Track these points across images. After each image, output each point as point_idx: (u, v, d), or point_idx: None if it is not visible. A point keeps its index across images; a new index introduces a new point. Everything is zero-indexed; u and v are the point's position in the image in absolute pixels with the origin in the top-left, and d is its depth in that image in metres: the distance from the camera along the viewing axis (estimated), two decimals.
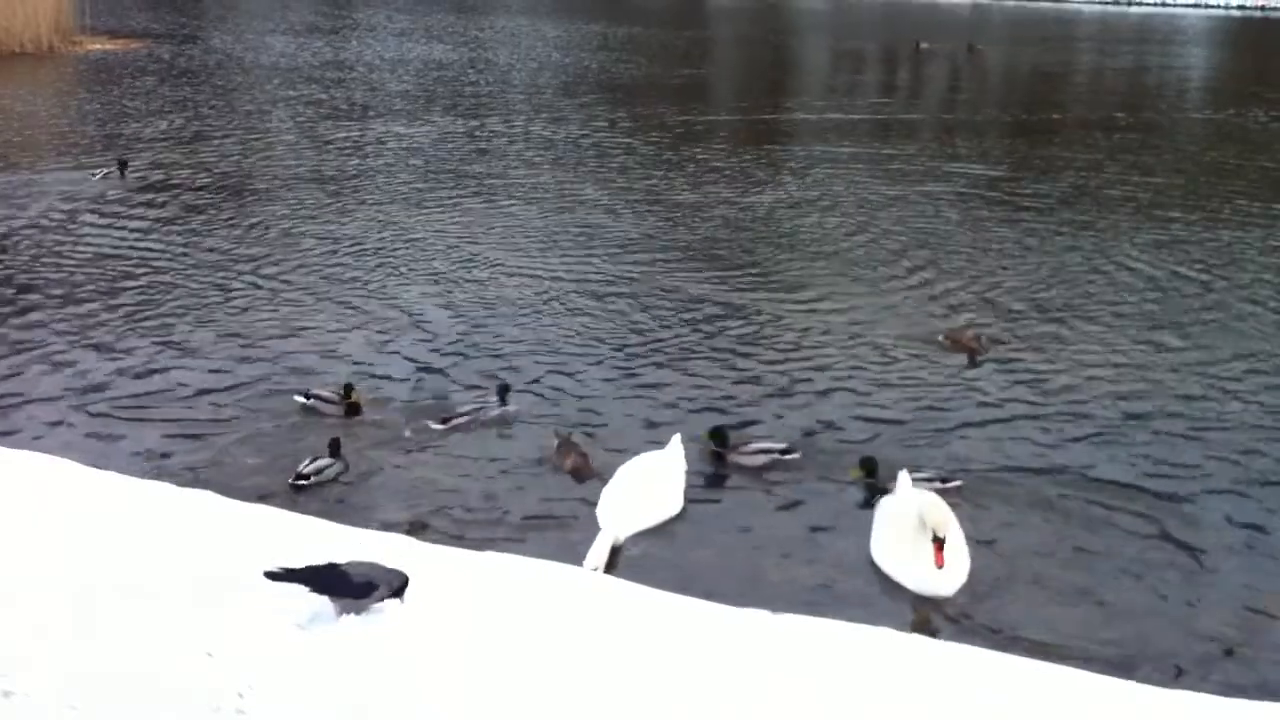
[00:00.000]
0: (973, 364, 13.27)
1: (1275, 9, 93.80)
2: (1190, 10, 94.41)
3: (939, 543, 8.50)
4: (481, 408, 11.56)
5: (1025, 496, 10.11)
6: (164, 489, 8.72)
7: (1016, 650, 7.29)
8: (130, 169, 22.74)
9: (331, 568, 6.64)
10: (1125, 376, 13.05)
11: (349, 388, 11.75)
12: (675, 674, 6.35)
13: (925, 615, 8.40)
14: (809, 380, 12.76)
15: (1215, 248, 19.01)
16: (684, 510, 9.87)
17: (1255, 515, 9.92)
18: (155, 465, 10.31)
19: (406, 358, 13.32)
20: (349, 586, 6.62)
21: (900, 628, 7.61)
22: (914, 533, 8.71)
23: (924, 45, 56.57)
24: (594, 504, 9.78)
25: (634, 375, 12.92)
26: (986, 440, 11.30)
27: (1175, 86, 47.60)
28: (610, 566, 8.91)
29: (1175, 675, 7.38)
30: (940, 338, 13.90)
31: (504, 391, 11.80)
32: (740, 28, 72.24)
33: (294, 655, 6.24)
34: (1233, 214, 21.75)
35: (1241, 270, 17.66)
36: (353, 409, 11.60)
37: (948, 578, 8.59)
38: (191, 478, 9.83)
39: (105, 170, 22.68)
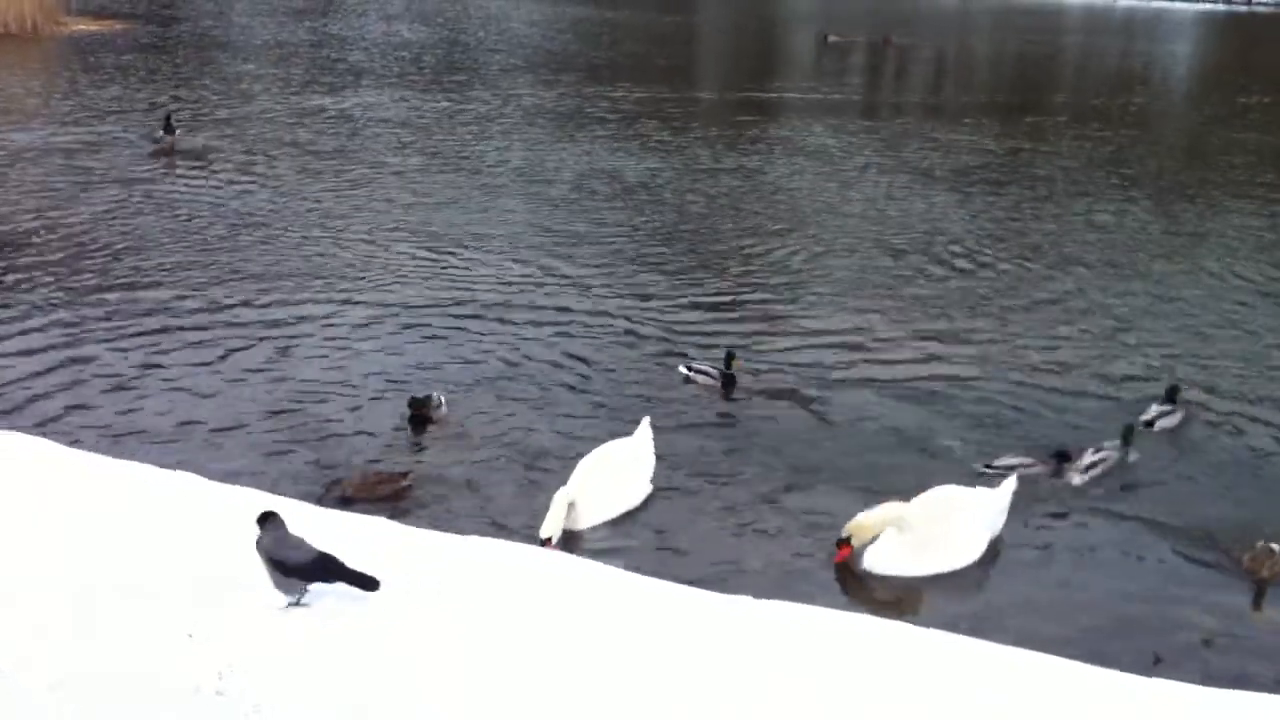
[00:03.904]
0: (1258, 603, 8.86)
1: (1263, 3, 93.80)
2: (1177, 5, 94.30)
3: (842, 541, 8.75)
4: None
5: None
6: (248, 494, 8.56)
7: (996, 638, 7.29)
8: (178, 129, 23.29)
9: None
10: None
11: (730, 356, 12.28)
12: (664, 659, 6.34)
13: (906, 603, 8.43)
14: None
15: None
16: (656, 496, 9.85)
17: (1237, 509, 9.97)
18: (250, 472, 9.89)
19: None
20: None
21: (882, 615, 7.65)
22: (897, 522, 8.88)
23: (832, 38, 56.51)
24: None
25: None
26: None
27: (1103, 75, 47.61)
28: (569, 540, 8.94)
29: (1153, 664, 7.41)
30: (1244, 559, 9.05)
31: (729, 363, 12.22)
32: (727, 15, 72.13)
33: (280, 639, 6.22)
34: None
35: None
36: (730, 380, 12.12)
37: (870, 559, 8.84)
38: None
39: (154, 132, 23.39)
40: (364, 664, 6.02)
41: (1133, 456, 10.75)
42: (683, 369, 12.49)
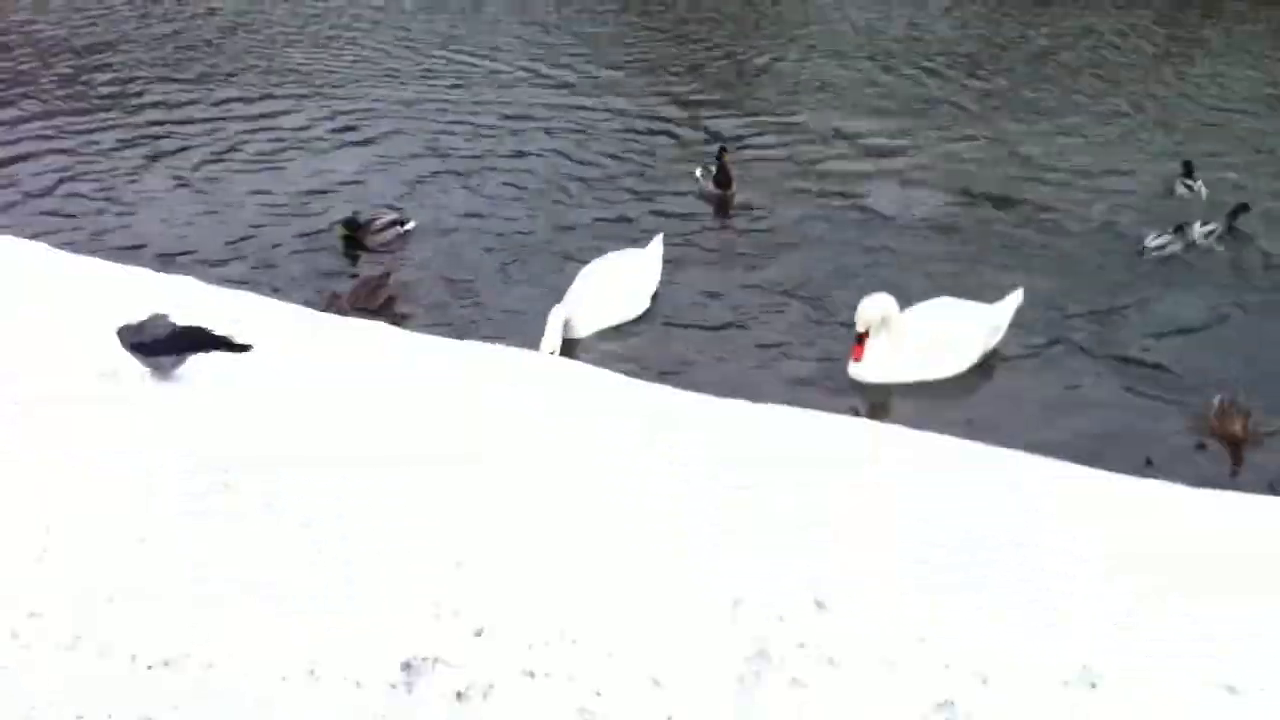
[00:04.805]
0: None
1: None
2: None
3: (859, 338, 8.79)
4: None
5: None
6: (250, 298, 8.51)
7: (991, 440, 7.37)
8: None
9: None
10: None
11: (722, 150, 12.19)
12: (665, 458, 6.41)
13: (899, 408, 8.54)
14: None
15: None
16: (657, 309, 9.85)
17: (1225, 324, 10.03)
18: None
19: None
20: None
21: (877, 419, 7.76)
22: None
23: None
24: None
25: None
26: None
27: None
28: (567, 352, 8.96)
29: (1144, 465, 7.53)
30: (1214, 405, 8.32)
31: None
32: None
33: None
34: None
35: None
36: (724, 174, 11.99)
37: (863, 368, 8.91)
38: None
39: None
40: (372, 464, 6.05)
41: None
42: (697, 172, 12.36)
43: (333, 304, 9.46)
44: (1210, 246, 11.18)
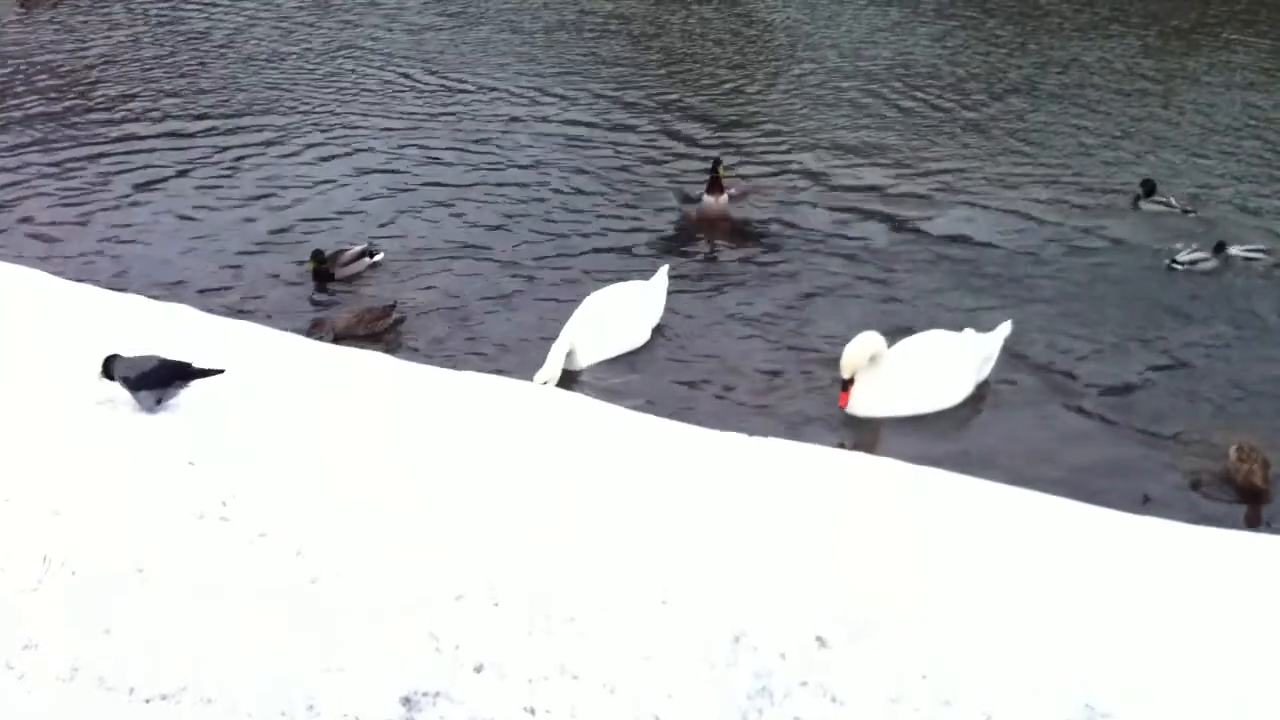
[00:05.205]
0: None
1: None
2: None
3: (845, 384, 8.75)
4: None
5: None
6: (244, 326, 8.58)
7: (984, 476, 7.37)
8: None
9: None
10: None
11: (717, 162, 12.21)
12: (660, 490, 6.41)
13: (894, 442, 8.50)
14: None
15: None
16: (658, 341, 9.86)
17: (1235, 357, 9.97)
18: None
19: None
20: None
21: (873, 453, 7.75)
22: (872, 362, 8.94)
23: None
24: None
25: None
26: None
27: None
28: (565, 384, 8.94)
29: (1142, 502, 7.52)
30: (1231, 454, 8.07)
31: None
32: None
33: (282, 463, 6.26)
34: None
35: None
36: (716, 183, 11.87)
37: (855, 405, 8.82)
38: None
39: None
40: (370, 492, 6.05)
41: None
42: (693, 211, 12.29)
43: (326, 332, 9.44)
44: (1247, 266, 11.25)
